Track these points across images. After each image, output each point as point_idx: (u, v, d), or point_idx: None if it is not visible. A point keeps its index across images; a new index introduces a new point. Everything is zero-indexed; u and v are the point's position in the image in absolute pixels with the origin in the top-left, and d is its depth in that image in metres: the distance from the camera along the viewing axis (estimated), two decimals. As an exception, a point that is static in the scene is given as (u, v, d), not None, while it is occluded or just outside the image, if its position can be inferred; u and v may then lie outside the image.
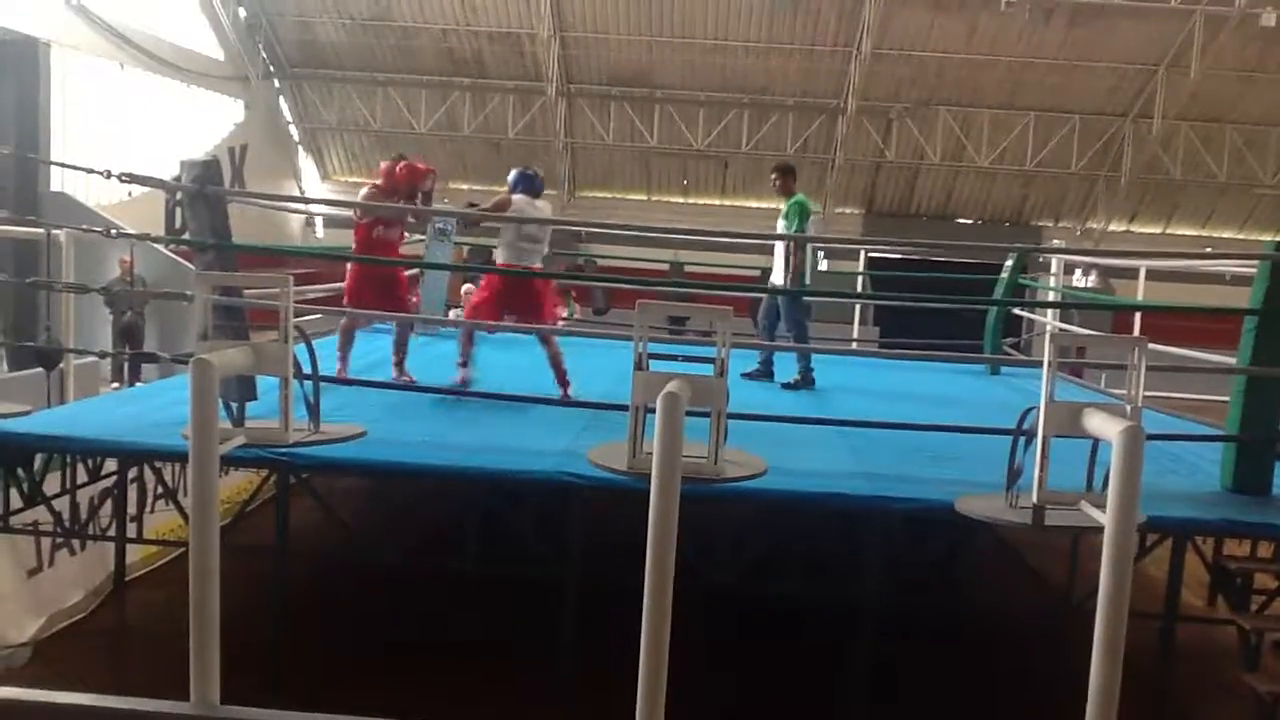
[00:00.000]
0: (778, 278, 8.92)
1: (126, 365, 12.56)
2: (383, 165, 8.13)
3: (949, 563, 5.81)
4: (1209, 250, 21.35)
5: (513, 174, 7.82)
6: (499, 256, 7.57)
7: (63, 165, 14.75)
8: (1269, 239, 13.49)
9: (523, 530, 5.35)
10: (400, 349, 7.68)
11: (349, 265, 7.80)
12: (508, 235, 7.49)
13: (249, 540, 6.72)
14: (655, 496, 3.05)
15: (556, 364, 7.39)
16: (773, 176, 9.20)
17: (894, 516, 5.15)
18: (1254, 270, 5.87)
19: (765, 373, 9.07)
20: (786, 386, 8.73)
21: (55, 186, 15.27)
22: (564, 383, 7.34)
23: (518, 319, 7.61)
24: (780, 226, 8.95)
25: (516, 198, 7.58)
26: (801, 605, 5.98)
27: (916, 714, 5.85)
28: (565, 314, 13.48)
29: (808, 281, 9.07)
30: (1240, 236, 23.97)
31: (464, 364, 7.43)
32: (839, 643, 5.49)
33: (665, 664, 3.00)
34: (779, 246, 8.99)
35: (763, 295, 9.38)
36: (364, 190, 8.17)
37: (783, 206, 8.94)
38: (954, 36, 21.13)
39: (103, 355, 7.75)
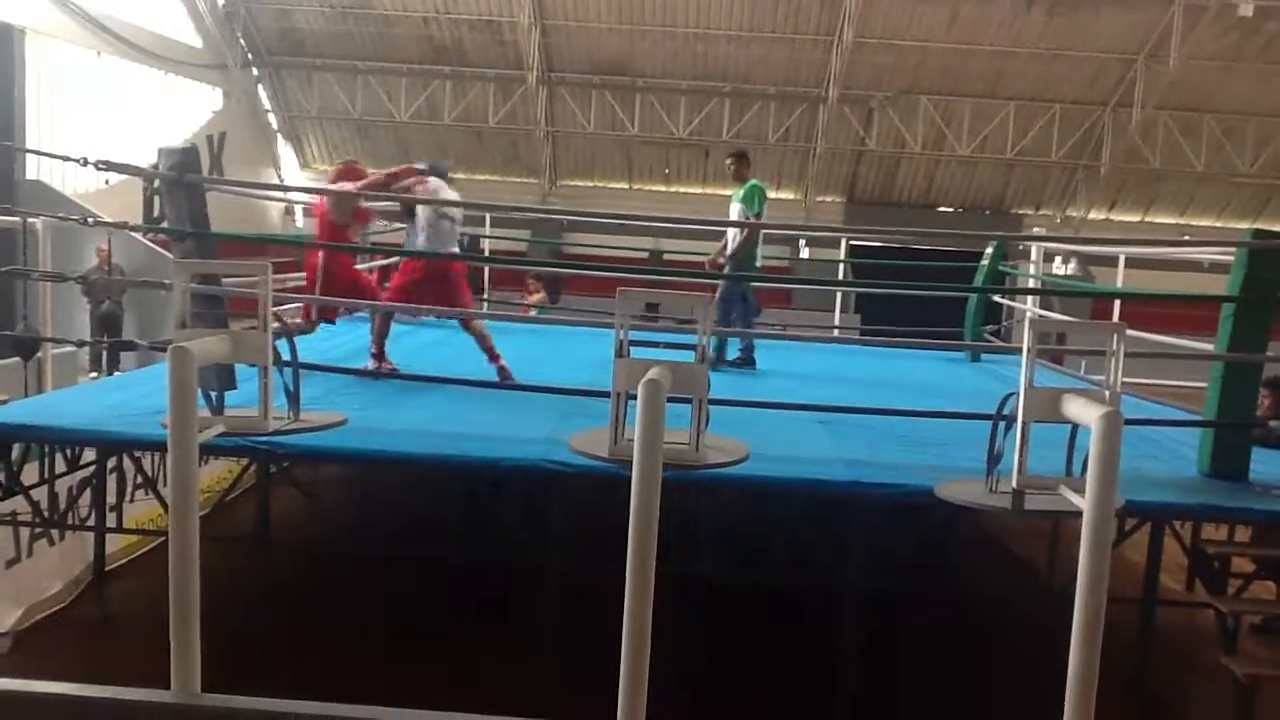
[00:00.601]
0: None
1: (105, 354, 12.48)
2: (338, 169, 8.03)
3: (931, 547, 5.84)
4: (1187, 238, 21.50)
5: (423, 165, 7.88)
6: (419, 242, 7.59)
7: (39, 153, 14.62)
8: (1246, 227, 13.58)
9: (505, 517, 5.35)
10: (379, 339, 7.60)
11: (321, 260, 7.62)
12: (424, 220, 7.51)
13: (230, 529, 6.71)
14: (637, 483, 3.05)
15: (484, 344, 7.45)
16: (728, 162, 9.35)
17: (875, 502, 5.16)
18: (1232, 258, 5.91)
19: (747, 360, 9.10)
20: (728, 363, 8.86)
21: (31, 175, 15.14)
22: (495, 357, 7.39)
23: (435, 304, 7.66)
24: (736, 210, 9.00)
25: (433, 181, 7.62)
26: (784, 591, 6.01)
27: (898, 698, 5.88)
28: (535, 299, 13.47)
29: (759, 266, 9.21)
30: (1218, 225, 24.12)
31: (378, 354, 7.44)
32: (821, 627, 5.51)
33: (648, 649, 3.00)
34: (731, 231, 9.06)
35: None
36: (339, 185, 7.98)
37: (738, 191, 9.01)
38: (935, 25, 21.16)
39: (80, 344, 7.70)
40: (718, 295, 8.92)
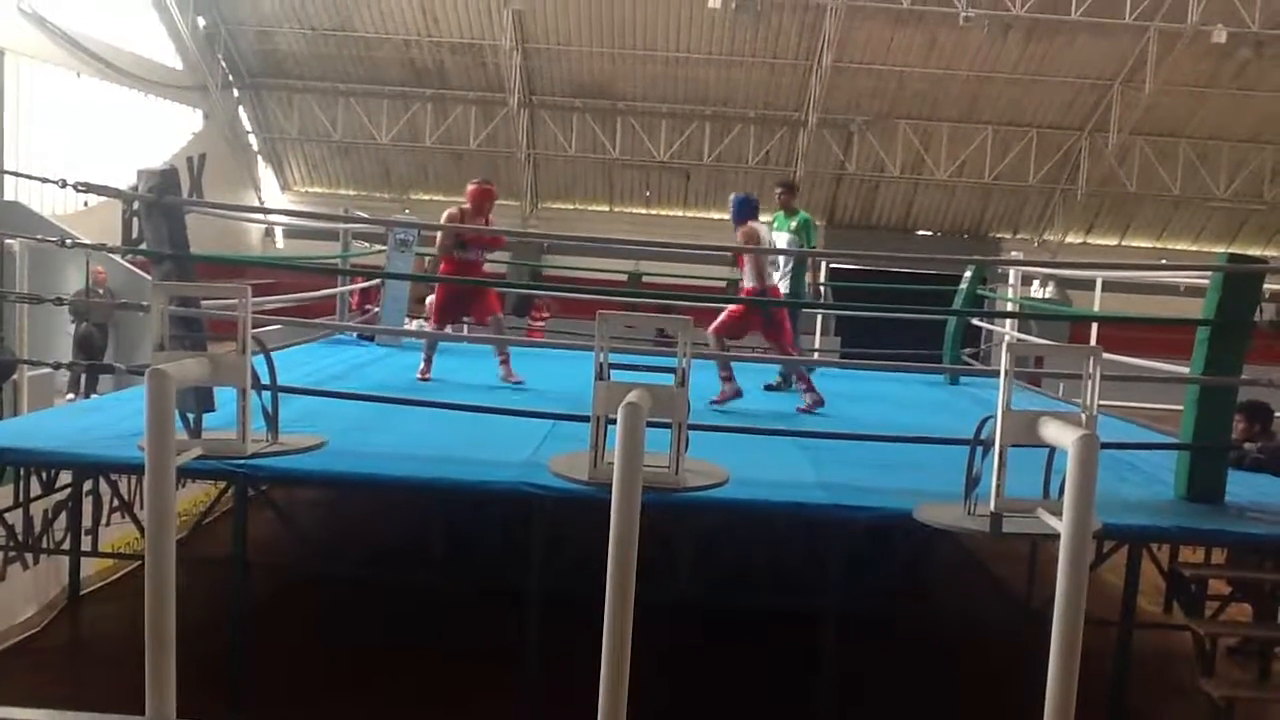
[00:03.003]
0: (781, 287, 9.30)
1: (84, 377, 12.40)
2: (471, 188, 8.44)
3: (910, 571, 5.84)
4: (1164, 262, 21.69)
5: (735, 198, 8.26)
6: (747, 282, 8.13)
7: (17, 174, 14.57)
8: (1222, 251, 13.75)
9: (485, 540, 5.33)
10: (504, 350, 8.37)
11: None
12: (759, 262, 8.01)
13: (207, 553, 6.65)
14: (616, 505, 3.05)
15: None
16: (778, 191, 9.66)
17: (854, 525, 5.17)
18: (1207, 281, 5.96)
19: (787, 383, 9.40)
20: (769, 388, 9.15)
21: (9, 196, 15.09)
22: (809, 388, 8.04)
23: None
24: (786, 240, 9.24)
25: (756, 226, 8.06)
26: (764, 615, 6.00)
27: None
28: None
29: (806, 293, 9.59)
30: (1194, 249, 24.37)
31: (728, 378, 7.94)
32: (802, 652, 5.51)
33: (626, 673, 3.00)
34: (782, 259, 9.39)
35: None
36: (448, 211, 8.50)
37: (790, 221, 9.29)
38: (913, 50, 21.37)
39: (57, 366, 7.65)
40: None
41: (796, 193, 9.82)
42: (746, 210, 8.10)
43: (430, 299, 12.23)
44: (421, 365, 8.37)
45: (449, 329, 8.81)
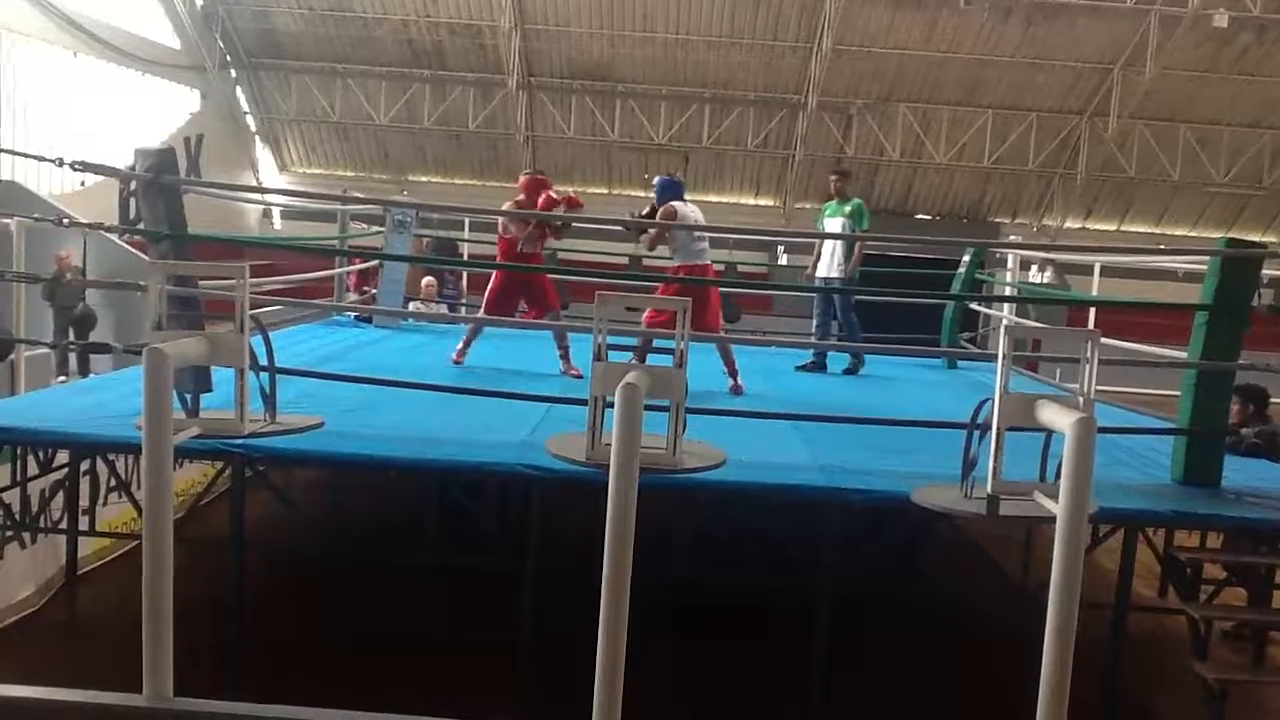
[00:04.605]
0: (826, 272, 9.50)
1: (77, 358, 12.34)
2: (523, 178, 8.48)
3: (907, 554, 5.85)
4: (1162, 247, 21.67)
5: (659, 181, 8.31)
6: (676, 260, 8.08)
7: (13, 153, 14.52)
8: (1220, 236, 13.72)
9: (483, 521, 5.34)
10: (563, 343, 8.34)
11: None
12: (682, 240, 7.99)
13: (205, 533, 6.65)
14: (613, 486, 3.05)
15: (727, 358, 8.01)
16: (834, 178, 9.87)
17: (851, 508, 5.18)
18: (1205, 267, 5.96)
19: (819, 365, 9.69)
20: (847, 372, 9.58)
21: (6, 175, 15.04)
22: (734, 373, 7.97)
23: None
24: (841, 225, 9.39)
25: (676, 204, 8.00)
26: (762, 597, 6.01)
27: (875, 704, 5.90)
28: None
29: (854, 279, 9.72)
30: (1193, 234, 24.33)
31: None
32: (797, 632, 5.52)
33: (623, 654, 3.00)
34: (829, 244, 9.55)
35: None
36: (506, 205, 8.51)
37: (844, 207, 9.46)
38: (913, 33, 21.28)
39: (53, 346, 7.66)
40: (839, 310, 9.65)
41: (850, 178, 9.97)
42: (669, 192, 8.17)
43: (427, 280, 12.25)
44: (459, 346, 8.41)
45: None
